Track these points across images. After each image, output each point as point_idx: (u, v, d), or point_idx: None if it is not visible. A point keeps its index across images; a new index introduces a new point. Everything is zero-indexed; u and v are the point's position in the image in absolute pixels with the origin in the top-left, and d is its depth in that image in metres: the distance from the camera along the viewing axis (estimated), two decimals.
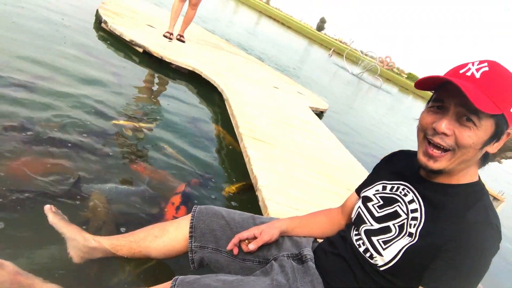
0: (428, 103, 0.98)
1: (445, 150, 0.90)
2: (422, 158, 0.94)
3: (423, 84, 0.95)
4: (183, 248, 1.27)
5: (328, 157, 3.29)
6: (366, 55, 32.58)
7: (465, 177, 0.96)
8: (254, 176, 2.19)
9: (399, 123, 11.82)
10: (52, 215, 1.38)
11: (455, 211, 0.91)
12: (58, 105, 2.27)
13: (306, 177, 2.55)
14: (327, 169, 2.94)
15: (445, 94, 0.90)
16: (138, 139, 2.38)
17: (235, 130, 2.95)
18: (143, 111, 2.85)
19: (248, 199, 2.24)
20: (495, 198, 6.95)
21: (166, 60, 4.14)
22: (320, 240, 1.28)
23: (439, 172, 0.94)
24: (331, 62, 23.28)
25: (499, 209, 6.67)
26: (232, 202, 2.17)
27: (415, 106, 24.20)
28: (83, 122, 2.23)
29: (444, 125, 0.88)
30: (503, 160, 6.30)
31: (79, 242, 1.31)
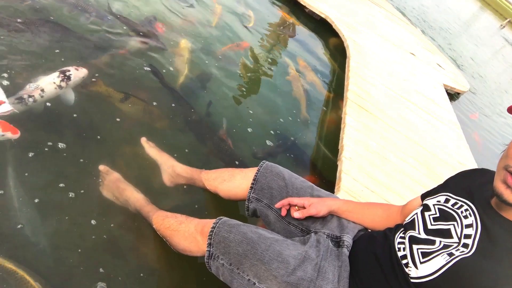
0: None
1: None
2: (499, 186, 0.83)
3: None
4: (244, 196, 1.38)
5: (439, 148, 2.93)
6: None
7: None
8: (342, 145, 2.13)
9: None
10: (147, 145, 1.65)
11: None
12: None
13: (400, 162, 2.37)
14: (431, 161, 2.65)
15: None
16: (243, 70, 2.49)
17: (344, 92, 2.83)
18: (260, 49, 2.92)
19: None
20: None
21: (302, 3, 4.04)
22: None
23: None
24: (500, 35, 19.46)
25: None
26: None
27: None
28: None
29: None
30: None
31: (168, 167, 1.59)
